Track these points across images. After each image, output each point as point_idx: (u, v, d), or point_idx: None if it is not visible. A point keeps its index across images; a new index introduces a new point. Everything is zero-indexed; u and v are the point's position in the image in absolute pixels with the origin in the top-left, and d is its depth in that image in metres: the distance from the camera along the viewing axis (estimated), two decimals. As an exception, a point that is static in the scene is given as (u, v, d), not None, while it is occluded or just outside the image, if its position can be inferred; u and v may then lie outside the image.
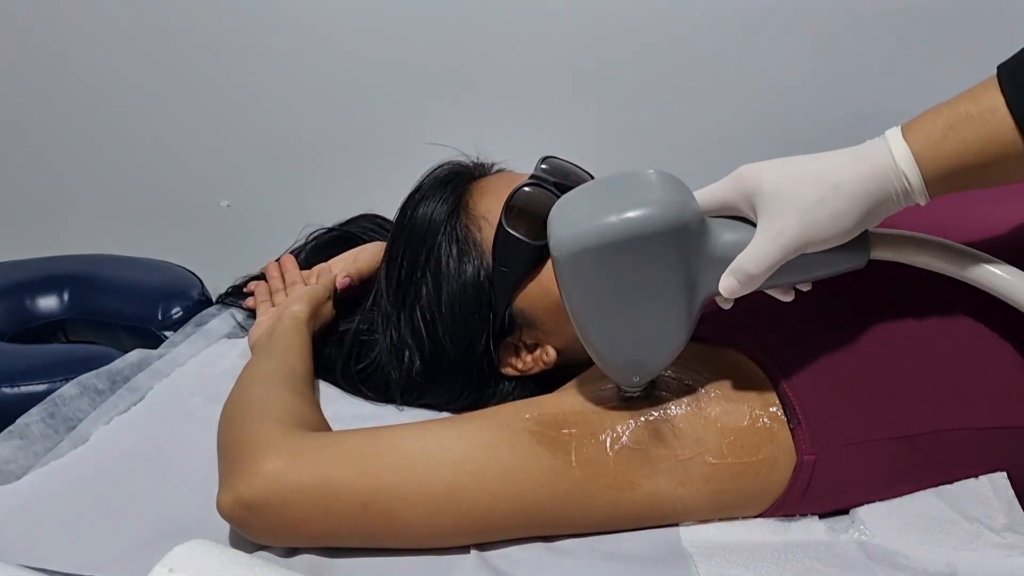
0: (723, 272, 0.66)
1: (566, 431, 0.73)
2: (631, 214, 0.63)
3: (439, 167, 0.97)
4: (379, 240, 1.13)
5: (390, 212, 1.03)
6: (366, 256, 1.09)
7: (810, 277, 0.68)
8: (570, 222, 0.66)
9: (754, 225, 0.64)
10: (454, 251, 0.89)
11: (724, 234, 0.66)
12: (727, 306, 0.71)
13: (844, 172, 0.60)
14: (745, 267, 0.64)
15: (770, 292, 0.69)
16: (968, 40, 1.39)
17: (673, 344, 0.70)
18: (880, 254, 0.66)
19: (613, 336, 0.70)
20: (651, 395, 0.74)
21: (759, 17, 1.43)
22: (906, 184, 0.60)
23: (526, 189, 0.88)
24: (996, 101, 0.57)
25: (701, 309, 0.69)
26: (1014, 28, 1.38)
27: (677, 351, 0.71)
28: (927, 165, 0.59)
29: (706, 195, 0.66)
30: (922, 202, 0.61)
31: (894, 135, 0.60)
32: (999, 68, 0.58)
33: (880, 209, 0.61)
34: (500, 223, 0.87)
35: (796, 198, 0.61)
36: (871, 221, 0.62)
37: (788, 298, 0.70)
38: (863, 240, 0.65)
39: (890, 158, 0.59)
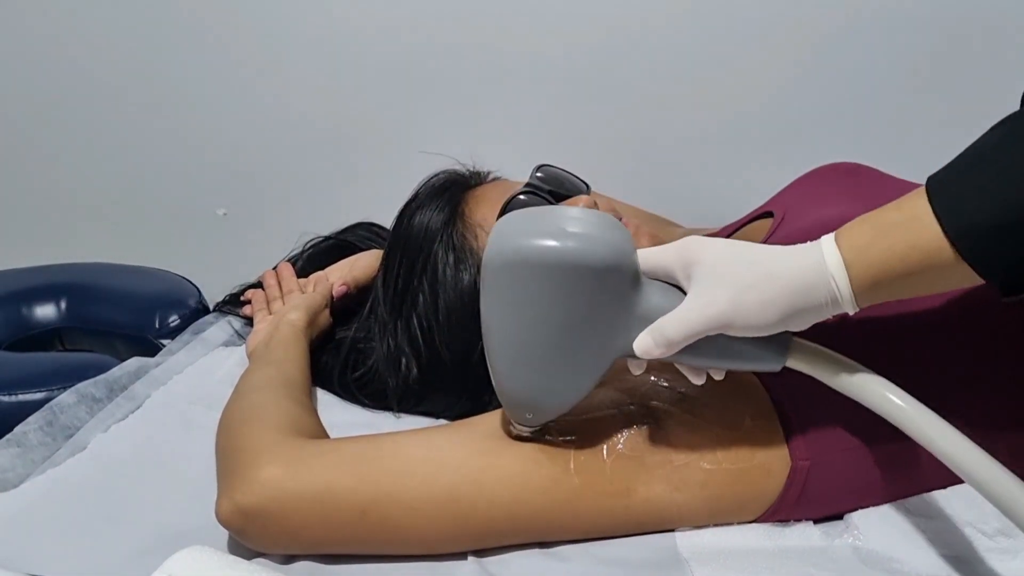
0: (638, 328, 0.65)
1: (563, 438, 0.73)
2: (569, 243, 0.62)
3: (435, 176, 0.97)
4: (376, 248, 1.13)
5: (387, 220, 1.03)
6: (363, 264, 1.10)
7: (724, 365, 0.66)
8: (509, 235, 0.65)
9: (685, 294, 0.63)
10: (451, 259, 0.90)
11: (654, 296, 0.65)
12: (637, 372, 0.70)
13: (781, 265, 0.60)
14: (665, 329, 0.63)
15: (682, 370, 0.68)
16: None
17: (574, 393, 0.69)
18: (795, 363, 0.64)
19: (520, 367, 0.68)
20: (542, 437, 0.73)
21: (757, 24, 1.44)
22: (835, 289, 0.59)
23: (521, 197, 0.89)
24: (922, 209, 0.56)
25: (610, 369, 0.68)
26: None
27: (576, 401, 0.69)
28: (855, 271, 0.58)
29: (648, 254, 0.65)
30: (851, 311, 0.60)
31: (828, 240, 0.60)
32: (928, 179, 0.58)
33: (808, 313, 0.60)
34: (495, 231, 0.87)
35: (731, 276, 0.60)
36: (796, 322, 0.61)
37: (699, 381, 0.69)
38: (784, 343, 0.64)
39: (822, 261, 0.59)
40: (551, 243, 0.62)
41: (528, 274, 0.63)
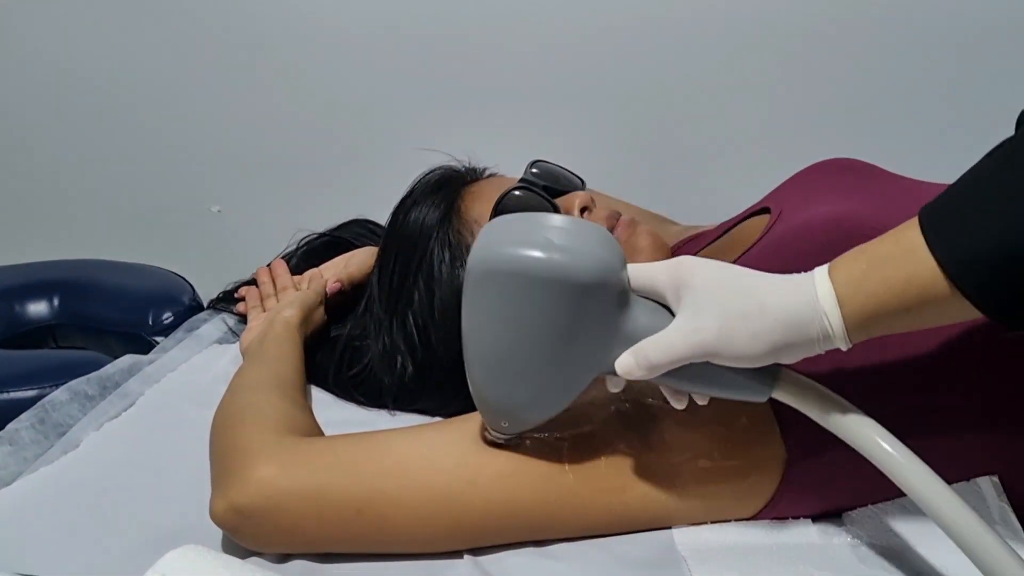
0: (622, 348, 0.63)
1: (558, 435, 0.73)
2: (556, 256, 0.60)
3: (431, 172, 0.97)
4: (371, 245, 1.13)
5: (382, 217, 1.03)
6: (357, 261, 1.09)
7: (707, 391, 0.64)
8: (494, 242, 0.63)
9: (673, 316, 0.62)
10: (446, 256, 0.89)
11: (641, 315, 0.63)
12: (615, 389, 0.68)
13: (774, 296, 0.58)
14: (648, 352, 0.61)
15: (664, 391, 0.67)
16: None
17: (552, 406, 0.67)
18: (782, 396, 0.62)
19: (497, 377, 0.66)
20: (518, 444, 0.72)
21: (754, 20, 1.44)
22: (827, 325, 0.57)
23: (515, 193, 0.89)
24: (916, 241, 0.54)
25: (590, 384, 0.66)
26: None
27: (553, 414, 0.68)
28: (848, 306, 0.56)
29: (638, 271, 0.63)
30: (843, 347, 0.58)
31: (821, 273, 0.58)
32: (921, 210, 0.56)
33: (798, 348, 0.58)
34: (490, 228, 0.87)
35: (722, 304, 0.58)
36: (785, 355, 0.59)
37: (680, 406, 0.67)
38: (772, 374, 0.62)
39: (815, 296, 0.57)
40: (537, 254, 0.61)
41: (511, 284, 0.62)
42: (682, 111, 1.52)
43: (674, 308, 0.62)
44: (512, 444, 0.72)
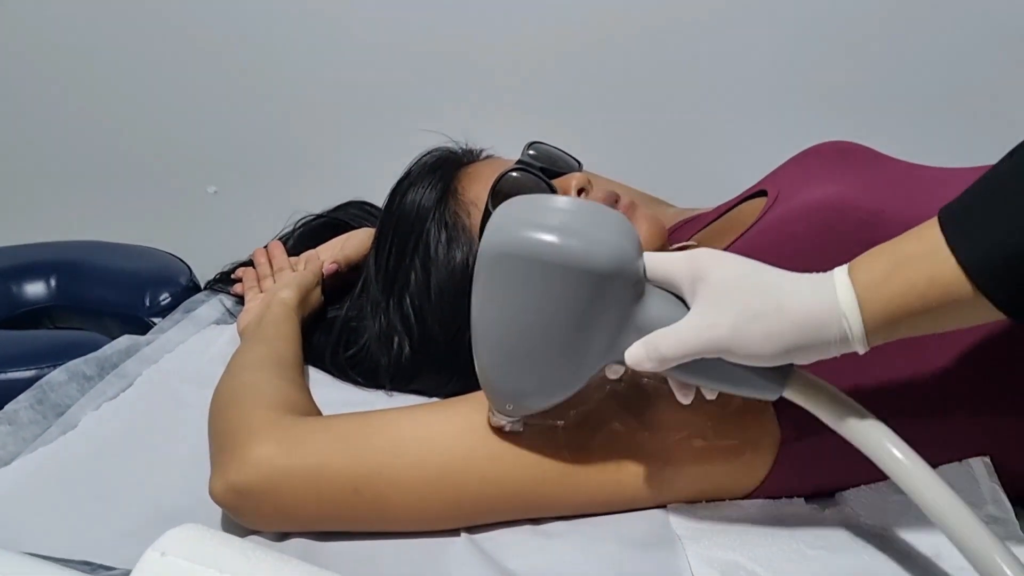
0: (632, 336, 0.62)
1: (554, 415, 0.73)
2: (572, 242, 0.59)
3: (427, 153, 0.97)
4: (368, 227, 1.13)
5: (379, 199, 1.03)
6: (354, 243, 1.09)
7: (716, 387, 0.63)
8: (509, 224, 0.62)
9: (688, 308, 0.61)
10: (443, 237, 0.89)
11: (654, 306, 0.62)
12: (613, 376, 0.67)
13: (793, 298, 0.56)
14: (660, 344, 0.60)
15: (671, 384, 0.66)
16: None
17: (559, 391, 0.66)
18: (793, 396, 0.61)
19: (505, 360, 0.65)
20: (520, 427, 0.71)
21: (751, 1, 1.44)
22: (847, 328, 0.56)
23: (512, 174, 0.89)
24: (939, 242, 0.53)
25: (598, 372, 0.65)
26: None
27: (560, 400, 0.67)
28: (869, 308, 0.55)
29: (655, 261, 0.62)
30: (861, 351, 0.57)
31: (841, 274, 0.57)
32: (940, 212, 0.55)
33: (813, 350, 0.57)
34: (487, 209, 0.87)
35: (739, 302, 0.57)
36: (800, 356, 0.58)
37: (686, 400, 0.66)
38: (784, 373, 0.61)
39: (835, 298, 0.56)
40: (552, 239, 0.60)
41: (524, 268, 0.60)
42: (679, 93, 1.52)
43: (689, 301, 0.61)
44: (515, 428, 0.71)
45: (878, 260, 0.56)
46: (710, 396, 0.66)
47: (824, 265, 0.59)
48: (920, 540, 0.69)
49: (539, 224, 0.61)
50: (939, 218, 0.55)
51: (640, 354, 0.61)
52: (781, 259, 0.61)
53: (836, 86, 1.46)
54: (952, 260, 0.53)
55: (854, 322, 0.55)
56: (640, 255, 0.62)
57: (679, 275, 0.61)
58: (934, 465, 0.71)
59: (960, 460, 0.72)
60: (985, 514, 0.69)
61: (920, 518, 0.70)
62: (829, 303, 0.56)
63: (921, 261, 0.54)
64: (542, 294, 0.61)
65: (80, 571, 0.58)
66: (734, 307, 0.58)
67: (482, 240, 0.63)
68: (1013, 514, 0.69)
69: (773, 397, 0.62)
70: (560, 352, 0.63)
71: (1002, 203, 0.52)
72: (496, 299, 0.63)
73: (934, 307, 0.54)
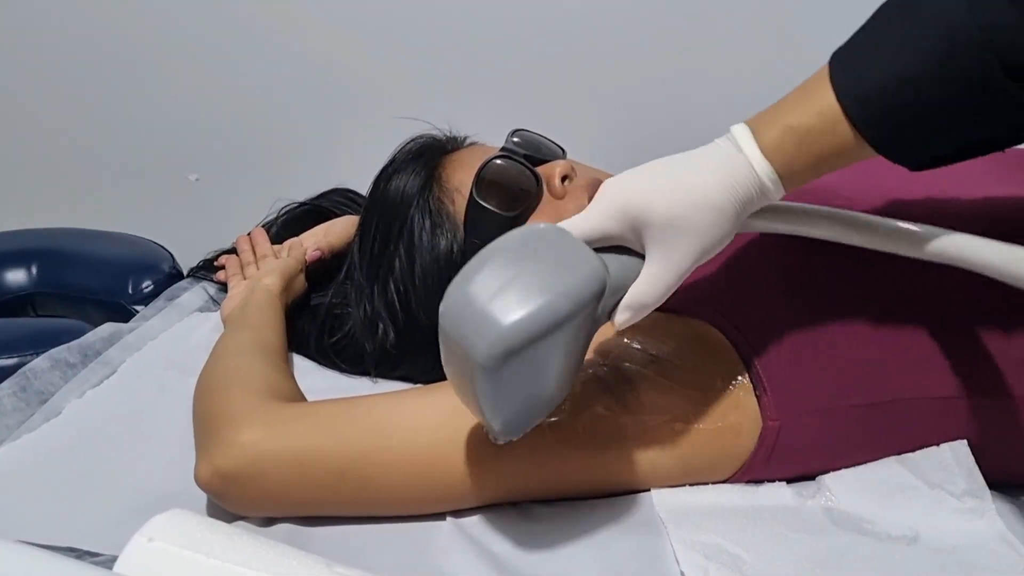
0: (609, 302, 0.63)
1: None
2: (549, 298, 0.57)
3: (411, 141, 0.97)
4: (351, 214, 1.13)
5: (362, 186, 1.03)
6: (337, 230, 1.09)
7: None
8: (484, 325, 0.57)
9: (636, 254, 0.63)
10: (427, 224, 0.90)
11: (615, 266, 0.63)
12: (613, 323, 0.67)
13: (721, 192, 0.60)
14: (643, 300, 0.63)
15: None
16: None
17: (561, 396, 0.67)
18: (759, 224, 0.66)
19: (521, 423, 0.65)
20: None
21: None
22: (769, 193, 0.62)
23: (497, 161, 0.89)
24: (836, 110, 0.58)
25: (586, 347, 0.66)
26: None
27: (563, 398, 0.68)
28: (787, 177, 0.61)
29: (586, 227, 0.63)
30: (777, 197, 0.63)
31: (751, 148, 0.61)
32: (833, 54, 0.60)
33: (747, 210, 0.63)
34: (471, 195, 0.87)
35: (690, 227, 0.61)
36: (745, 211, 0.63)
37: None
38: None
39: (754, 175, 0.61)
40: (533, 306, 0.57)
41: (528, 348, 0.57)
42: (665, 81, 1.52)
43: (637, 248, 0.63)
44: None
45: (784, 134, 0.61)
46: None
47: None
48: (899, 523, 0.70)
49: (512, 299, 0.57)
50: (830, 61, 0.60)
51: (629, 316, 0.64)
52: None
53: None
54: (830, 96, 0.58)
55: (776, 191, 0.62)
56: (593, 255, 0.61)
57: (617, 230, 0.63)
58: (919, 446, 0.73)
59: (938, 444, 0.73)
60: (960, 498, 0.71)
61: (899, 501, 0.71)
62: (750, 181, 0.61)
63: (828, 134, 0.59)
64: (547, 349, 0.59)
65: (66, 557, 0.58)
66: (690, 234, 0.61)
67: (479, 354, 0.57)
68: (989, 493, 0.71)
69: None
70: (562, 374, 0.64)
71: (874, 43, 0.58)
72: (504, 393, 0.60)
73: (841, 164, 0.61)
